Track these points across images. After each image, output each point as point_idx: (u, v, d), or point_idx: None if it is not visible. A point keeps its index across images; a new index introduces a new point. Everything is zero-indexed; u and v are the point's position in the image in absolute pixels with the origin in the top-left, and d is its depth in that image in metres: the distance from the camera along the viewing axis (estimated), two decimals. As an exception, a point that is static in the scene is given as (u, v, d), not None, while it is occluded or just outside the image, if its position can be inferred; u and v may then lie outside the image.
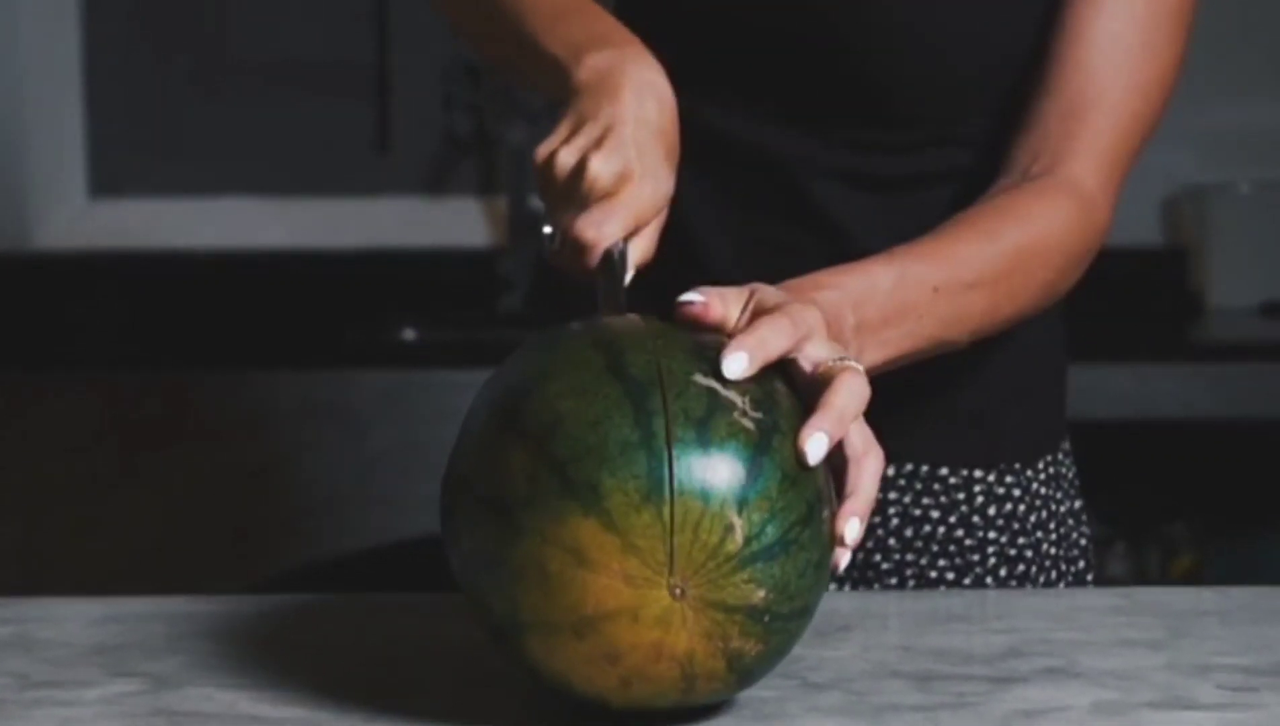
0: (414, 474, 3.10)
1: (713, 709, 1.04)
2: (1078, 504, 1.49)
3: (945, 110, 1.37)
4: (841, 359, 1.04)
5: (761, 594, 0.97)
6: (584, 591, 0.96)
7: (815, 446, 0.99)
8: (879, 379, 1.27)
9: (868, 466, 1.04)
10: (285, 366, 3.16)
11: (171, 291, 3.60)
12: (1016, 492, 1.44)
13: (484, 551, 0.99)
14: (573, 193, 1.15)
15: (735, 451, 0.97)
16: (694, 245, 1.40)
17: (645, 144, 1.16)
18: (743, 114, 1.39)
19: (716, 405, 0.98)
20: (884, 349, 1.18)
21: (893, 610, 1.26)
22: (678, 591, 0.96)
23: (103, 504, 3.12)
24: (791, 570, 0.98)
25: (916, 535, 1.42)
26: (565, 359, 1.01)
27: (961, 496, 1.43)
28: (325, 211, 3.71)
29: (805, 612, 1.01)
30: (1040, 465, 1.45)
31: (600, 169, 1.15)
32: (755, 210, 1.40)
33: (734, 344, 1.00)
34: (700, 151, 1.35)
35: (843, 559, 1.03)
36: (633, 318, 1.05)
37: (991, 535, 1.43)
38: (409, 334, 3.45)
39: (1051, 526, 1.45)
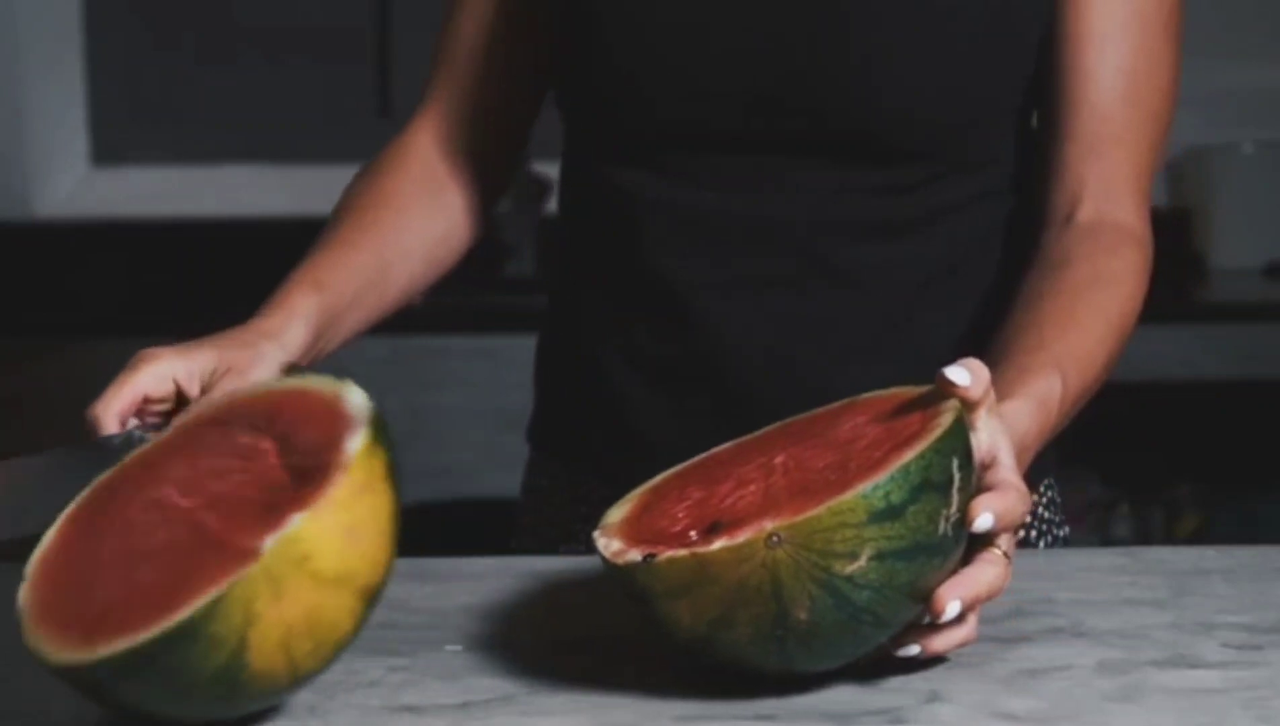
0: (415, 440, 3.10)
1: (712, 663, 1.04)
2: (1064, 531, 1.49)
3: (936, 144, 1.34)
4: (1005, 554, 1.05)
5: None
6: None
7: (949, 609, 1.01)
8: None
9: (990, 568, 1.03)
10: (288, 333, 3.15)
11: (173, 259, 3.60)
12: (1026, 519, 1.41)
13: None
14: None
15: (911, 536, 0.97)
16: (704, 327, 1.38)
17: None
18: (735, 190, 1.36)
19: (943, 501, 0.98)
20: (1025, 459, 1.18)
21: (896, 571, 1.26)
22: (775, 539, 0.96)
23: (107, 471, 3.12)
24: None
25: None
26: None
27: None
28: (327, 178, 3.70)
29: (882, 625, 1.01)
30: (1041, 488, 1.44)
31: None
32: (763, 285, 1.37)
33: (948, 589, 1.01)
34: (700, 238, 1.35)
35: (935, 644, 1.03)
36: None
37: None
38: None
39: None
